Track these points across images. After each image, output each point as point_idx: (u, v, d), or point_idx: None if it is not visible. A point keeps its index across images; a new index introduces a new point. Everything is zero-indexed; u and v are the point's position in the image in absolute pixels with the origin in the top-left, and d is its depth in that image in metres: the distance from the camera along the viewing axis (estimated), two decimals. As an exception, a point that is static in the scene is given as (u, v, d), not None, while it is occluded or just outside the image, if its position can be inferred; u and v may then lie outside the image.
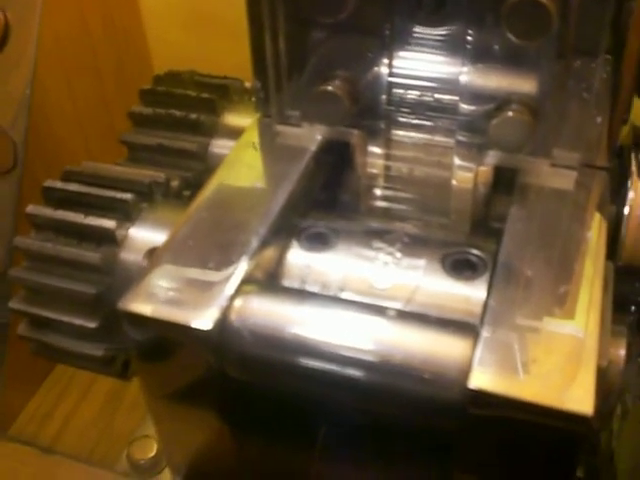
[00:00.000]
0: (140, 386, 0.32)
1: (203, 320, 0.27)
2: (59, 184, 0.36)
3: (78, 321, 0.35)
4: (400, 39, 0.32)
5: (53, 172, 0.38)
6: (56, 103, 0.54)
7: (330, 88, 0.32)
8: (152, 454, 0.47)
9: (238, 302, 0.28)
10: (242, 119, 0.42)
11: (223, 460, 0.34)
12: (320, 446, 0.32)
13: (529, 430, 0.24)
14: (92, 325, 0.35)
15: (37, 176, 0.39)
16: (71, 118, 0.57)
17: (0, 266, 0.41)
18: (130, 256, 0.35)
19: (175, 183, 0.38)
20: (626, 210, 0.33)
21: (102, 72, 0.60)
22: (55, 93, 0.52)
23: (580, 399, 0.23)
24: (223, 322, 0.27)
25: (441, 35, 0.32)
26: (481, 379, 0.24)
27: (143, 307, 0.28)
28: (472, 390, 0.24)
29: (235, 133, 0.40)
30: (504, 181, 0.33)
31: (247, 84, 0.44)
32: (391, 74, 0.33)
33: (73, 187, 0.36)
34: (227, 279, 0.28)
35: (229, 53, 0.55)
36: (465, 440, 0.26)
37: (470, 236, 0.33)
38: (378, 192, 0.36)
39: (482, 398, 0.24)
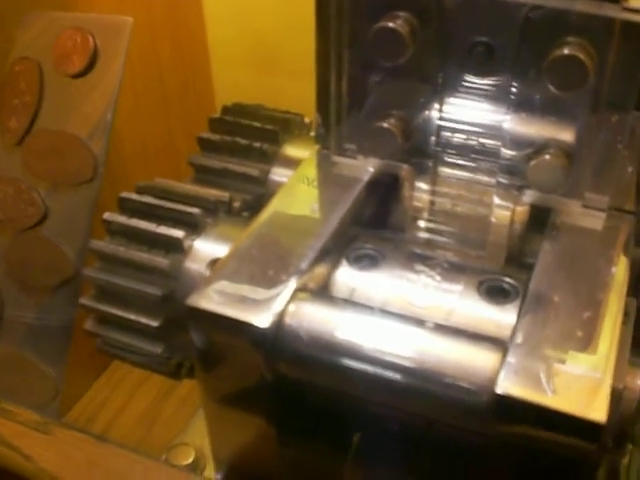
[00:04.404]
0: (197, 385, 0.35)
1: (261, 319, 0.30)
2: (134, 196, 0.39)
3: (142, 319, 0.37)
4: (451, 87, 0.35)
5: (117, 186, 0.41)
6: (125, 124, 0.57)
7: (385, 125, 0.35)
8: (189, 461, 0.50)
9: (292, 307, 0.31)
10: (300, 151, 0.44)
11: (264, 459, 0.36)
12: (353, 452, 0.35)
13: (548, 436, 0.27)
14: (155, 324, 0.37)
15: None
16: (137, 138, 0.61)
17: (70, 269, 0.44)
18: (194, 265, 0.37)
19: (237, 204, 0.41)
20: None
21: (168, 99, 0.65)
22: (124, 115, 0.55)
23: (595, 409, 0.26)
24: (278, 322, 0.30)
25: (488, 85, 0.34)
26: (507, 386, 0.27)
27: (208, 304, 0.31)
28: (499, 395, 0.27)
29: (293, 163, 0.43)
30: (538, 220, 0.35)
31: (307, 120, 0.47)
32: (441, 118, 0.36)
33: (147, 199, 0.39)
34: (283, 287, 0.31)
35: (287, 90, 0.59)
36: (490, 448, 0.28)
37: (504, 267, 0.36)
38: (422, 224, 0.38)
39: (507, 402, 0.27)
